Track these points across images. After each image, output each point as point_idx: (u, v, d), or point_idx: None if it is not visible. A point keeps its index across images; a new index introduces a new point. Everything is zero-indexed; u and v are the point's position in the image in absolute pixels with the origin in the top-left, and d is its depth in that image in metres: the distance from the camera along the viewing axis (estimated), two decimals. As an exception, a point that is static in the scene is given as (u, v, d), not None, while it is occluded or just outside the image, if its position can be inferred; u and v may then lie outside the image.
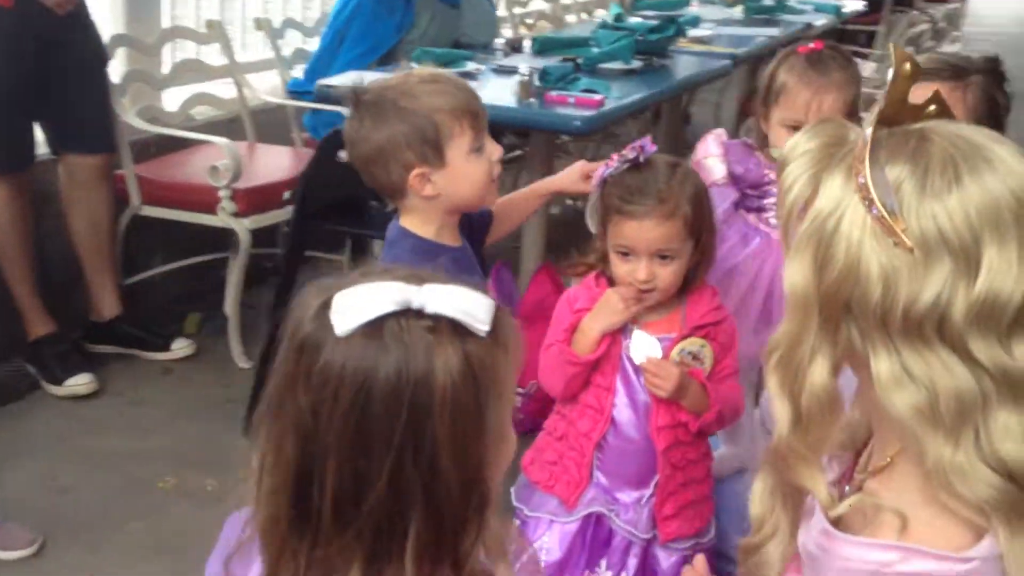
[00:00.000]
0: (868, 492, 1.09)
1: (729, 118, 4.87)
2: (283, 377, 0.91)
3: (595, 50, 3.49)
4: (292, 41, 3.95)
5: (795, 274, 1.05)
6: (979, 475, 0.96)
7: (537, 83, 2.94)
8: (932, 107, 1.08)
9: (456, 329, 0.88)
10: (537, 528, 1.81)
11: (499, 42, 3.86)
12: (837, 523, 1.07)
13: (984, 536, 0.97)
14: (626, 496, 1.78)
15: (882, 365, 0.99)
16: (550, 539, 1.80)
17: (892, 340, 0.99)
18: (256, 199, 3.09)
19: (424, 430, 0.87)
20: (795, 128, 1.87)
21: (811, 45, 1.94)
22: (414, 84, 1.69)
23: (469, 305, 0.89)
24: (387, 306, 0.88)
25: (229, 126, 3.51)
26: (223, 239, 3.18)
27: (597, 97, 2.91)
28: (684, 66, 3.64)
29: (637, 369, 1.73)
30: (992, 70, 1.72)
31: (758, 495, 1.17)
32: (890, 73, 1.06)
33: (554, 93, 2.94)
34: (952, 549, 0.97)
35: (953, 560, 0.97)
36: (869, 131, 1.03)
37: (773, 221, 1.94)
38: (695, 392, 1.71)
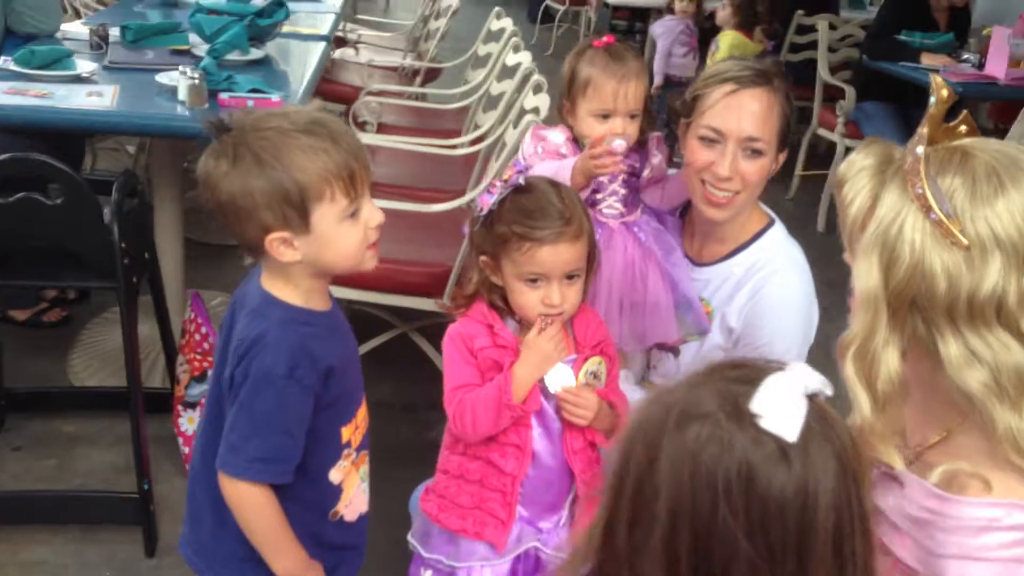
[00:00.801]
0: (926, 463, 1.26)
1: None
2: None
3: (195, 37, 3.24)
4: None
5: (864, 275, 1.22)
6: None
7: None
8: (963, 127, 1.26)
9: None
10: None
11: (78, 31, 3.40)
12: None
13: None
14: (547, 523, 1.79)
15: (951, 349, 1.18)
16: (486, 586, 1.76)
17: (958, 327, 1.18)
18: None
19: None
20: (604, 117, 1.95)
21: (604, 39, 2.01)
22: (286, 133, 1.47)
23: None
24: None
25: None
26: None
27: (275, 98, 2.72)
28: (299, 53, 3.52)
29: (546, 396, 1.73)
30: (780, 72, 1.94)
31: None
32: (932, 100, 1.23)
33: (225, 96, 2.69)
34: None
35: None
36: (920, 149, 1.20)
37: (607, 211, 2.00)
38: (606, 412, 1.75)
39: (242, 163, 1.44)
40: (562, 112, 2.03)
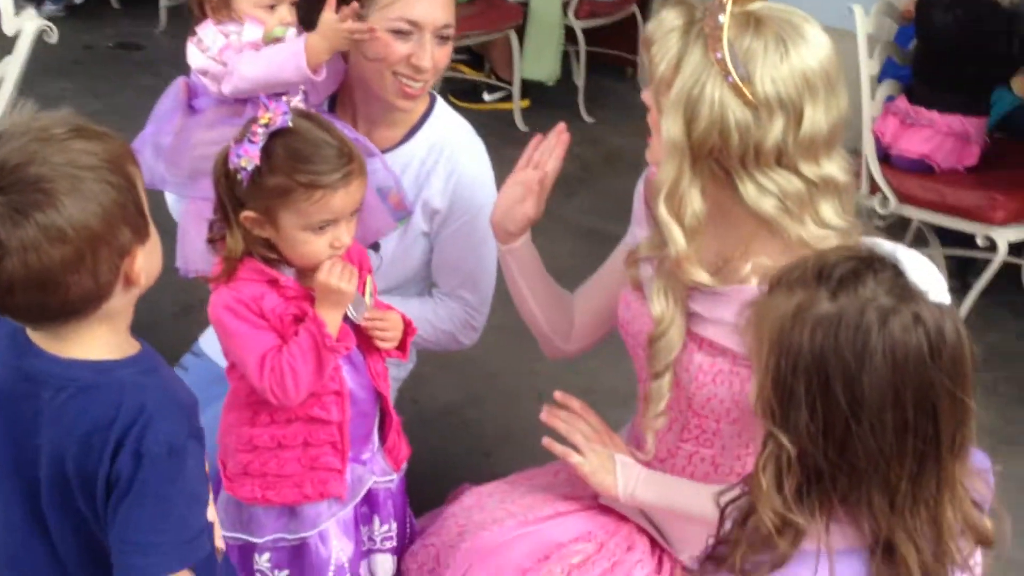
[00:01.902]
0: (732, 271, 1.57)
1: None
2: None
3: None
4: None
5: (670, 129, 1.47)
6: (819, 237, 1.49)
7: None
8: None
9: None
10: (325, 540, 1.66)
11: None
12: None
13: None
14: (367, 453, 1.75)
15: (748, 187, 1.48)
16: (338, 540, 1.68)
17: (748, 169, 1.47)
18: None
19: None
20: (272, 7, 1.80)
21: None
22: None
23: None
24: None
25: None
26: None
27: None
28: None
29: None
30: None
31: (656, 298, 1.57)
32: None
33: None
34: None
35: None
36: (722, 17, 1.41)
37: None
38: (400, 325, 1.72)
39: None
40: (204, 9, 1.81)
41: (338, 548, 1.69)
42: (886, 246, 1.11)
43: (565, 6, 4.66)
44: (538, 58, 4.64)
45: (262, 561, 1.68)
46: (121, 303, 1.25)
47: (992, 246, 2.85)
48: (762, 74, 1.41)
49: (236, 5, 1.78)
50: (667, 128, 1.46)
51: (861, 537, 1.09)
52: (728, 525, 1.16)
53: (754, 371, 1.14)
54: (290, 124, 1.52)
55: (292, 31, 1.80)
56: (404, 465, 1.81)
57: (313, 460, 1.65)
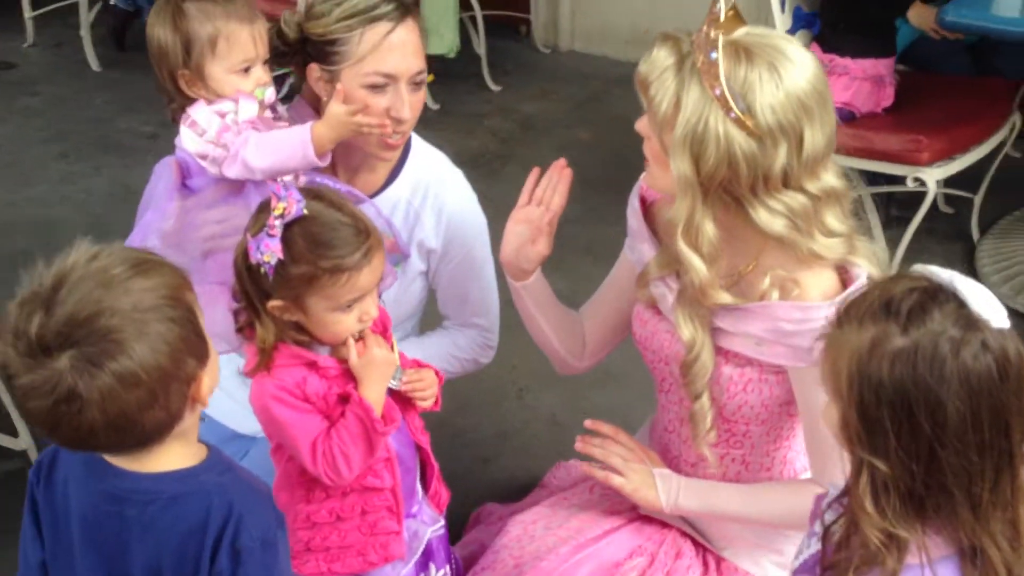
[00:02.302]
0: (748, 285, 1.65)
1: None
2: None
3: None
4: None
5: (679, 167, 1.54)
6: (828, 246, 1.59)
7: None
8: (731, 12, 1.52)
9: None
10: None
11: None
12: None
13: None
14: (415, 506, 1.79)
15: (759, 212, 1.57)
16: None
17: (759, 196, 1.54)
18: None
19: None
20: (246, 70, 1.77)
21: None
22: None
23: None
24: None
25: None
26: None
27: None
28: None
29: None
30: None
31: (684, 325, 1.66)
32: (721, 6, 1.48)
33: None
34: (835, 295, 1.59)
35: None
36: (714, 55, 1.47)
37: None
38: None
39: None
40: (177, 84, 1.77)
41: (400, 604, 1.74)
42: (943, 275, 1.19)
43: (458, -29, 4.62)
44: (437, 32, 4.60)
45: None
46: (190, 421, 1.30)
47: (922, 186, 3.01)
48: (762, 104, 1.47)
49: (210, 74, 1.74)
50: (676, 167, 1.52)
51: (951, 544, 1.19)
52: (830, 548, 1.24)
53: (833, 399, 1.21)
54: (304, 212, 1.52)
55: (271, 91, 1.79)
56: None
57: (372, 527, 1.69)
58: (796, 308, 1.56)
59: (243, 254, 1.54)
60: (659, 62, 1.51)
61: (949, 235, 3.60)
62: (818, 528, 1.31)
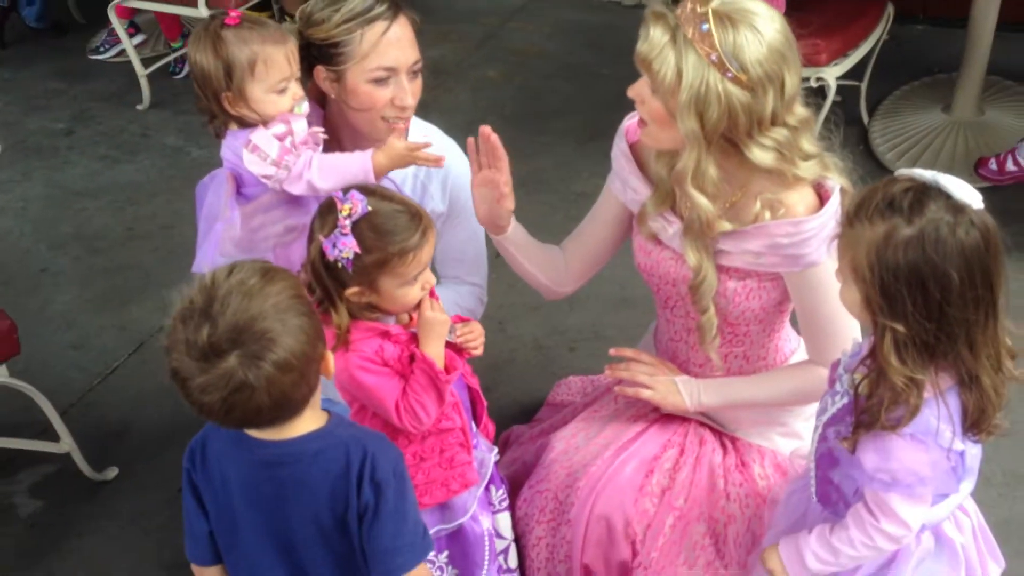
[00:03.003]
0: (740, 209, 1.92)
1: None
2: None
3: None
4: None
5: (686, 125, 1.79)
6: (807, 168, 1.88)
7: None
8: None
9: None
10: (476, 519, 1.99)
11: None
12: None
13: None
14: (475, 439, 2.04)
15: (754, 150, 1.83)
16: (482, 516, 2.01)
17: (755, 138, 1.82)
18: None
19: None
20: (282, 91, 1.92)
21: (233, 15, 1.88)
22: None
23: None
24: None
25: None
26: None
27: None
28: None
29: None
30: None
31: (691, 254, 1.92)
32: None
33: None
34: (816, 208, 1.89)
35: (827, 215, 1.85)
36: (705, 26, 1.72)
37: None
38: None
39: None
40: (222, 105, 1.92)
41: (485, 522, 2.02)
42: (927, 175, 1.47)
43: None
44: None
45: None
46: (318, 393, 1.54)
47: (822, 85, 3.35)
48: (751, 60, 1.71)
49: (251, 95, 1.89)
50: (684, 125, 1.76)
51: (953, 378, 1.50)
52: (862, 398, 1.53)
53: (854, 283, 1.49)
54: (369, 208, 1.73)
55: (305, 104, 1.95)
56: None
57: (450, 462, 1.94)
58: (788, 224, 1.84)
59: (320, 254, 1.74)
60: (656, 40, 1.74)
61: (842, 121, 3.95)
62: (839, 387, 1.62)
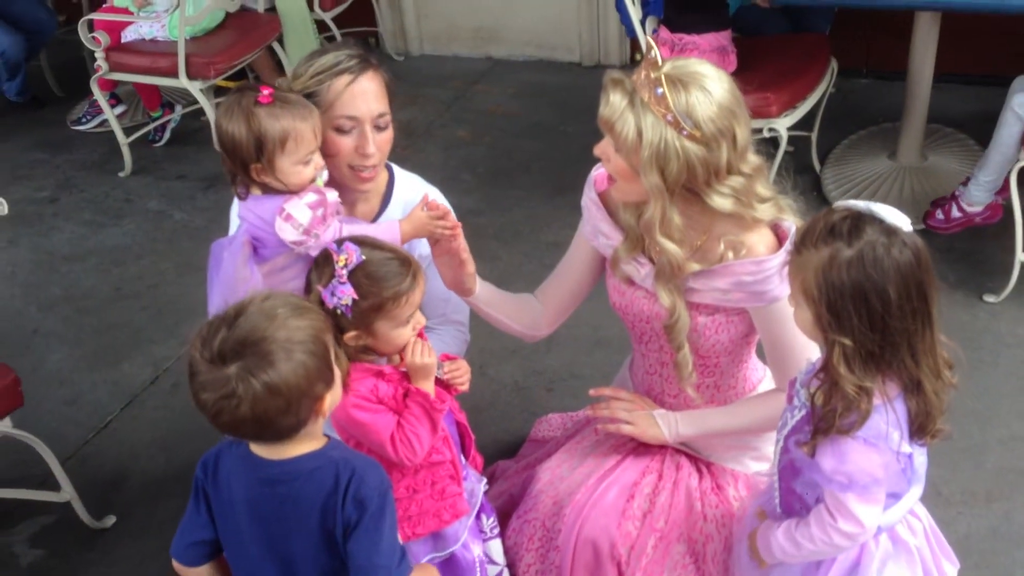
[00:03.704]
0: (706, 251, 2.10)
1: None
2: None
3: None
4: None
5: (650, 180, 1.96)
6: (764, 211, 2.06)
7: None
8: (652, 53, 1.96)
9: None
10: (467, 547, 2.11)
11: None
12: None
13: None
14: (465, 471, 2.18)
15: (713, 198, 2.00)
16: (473, 543, 2.14)
17: (713, 186, 2.00)
18: None
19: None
20: (307, 163, 2.05)
21: (265, 93, 2.01)
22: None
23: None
24: None
25: None
26: None
27: None
28: None
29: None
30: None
31: (664, 295, 2.10)
32: (654, 53, 1.91)
33: None
34: (774, 249, 2.07)
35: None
36: (660, 90, 1.90)
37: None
38: None
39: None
40: (250, 175, 2.04)
41: (476, 549, 2.14)
42: (860, 205, 1.65)
43: (310, 3, 4.92)
44: (302, 52, 4.89)
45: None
46: (315, 426, 1.68)
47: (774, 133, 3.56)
48: (703, 118, 1.87)
49: (280, 168, 2.02)
50: (648, 180, 1.92)
51: (898, 386, 1.67)
52: (818, 409, 1.68)
53: (805, 304, 1.66)
54: (363, 258, 1.89)
55: (325, 173, 2.11)
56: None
57: (441, 493, 2.07)
58: (751, 263, 2.01)
59: (319, 303, 1.88)
60: (616, 104, 1.91)
61: (795, 169, 4.18)
62: (796, 402, 1.78)
